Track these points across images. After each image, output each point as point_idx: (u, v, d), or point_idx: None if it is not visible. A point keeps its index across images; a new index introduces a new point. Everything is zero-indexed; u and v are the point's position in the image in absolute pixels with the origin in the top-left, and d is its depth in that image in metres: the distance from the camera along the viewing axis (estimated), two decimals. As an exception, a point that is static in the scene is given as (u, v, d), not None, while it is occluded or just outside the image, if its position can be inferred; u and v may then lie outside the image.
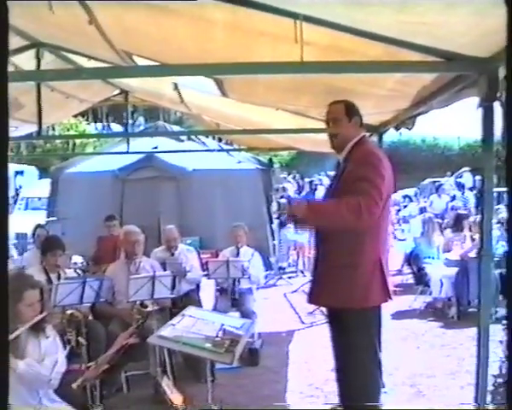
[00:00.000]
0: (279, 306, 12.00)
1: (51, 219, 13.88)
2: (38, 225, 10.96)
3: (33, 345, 4.68)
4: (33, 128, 10.04)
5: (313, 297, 4.96)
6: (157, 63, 5.87)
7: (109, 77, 7.19)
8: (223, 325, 4.96)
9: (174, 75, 5.49)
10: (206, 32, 4.57)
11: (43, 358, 4.62)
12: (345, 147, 4.82)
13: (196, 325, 4.97)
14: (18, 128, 10.40)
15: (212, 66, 4.40)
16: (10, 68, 5.34)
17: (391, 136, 8.56)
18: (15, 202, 23.98)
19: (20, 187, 26.28)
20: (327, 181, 25.83)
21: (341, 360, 4.82)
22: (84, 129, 32.40)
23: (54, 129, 27.48)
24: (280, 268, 15.16)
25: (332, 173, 6.63)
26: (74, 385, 4.67)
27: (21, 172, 29.88)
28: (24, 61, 7.60)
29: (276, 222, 14.53)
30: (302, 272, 15.24)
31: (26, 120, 9.76)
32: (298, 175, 31.74)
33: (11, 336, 4.43)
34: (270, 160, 16.72)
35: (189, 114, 13.92)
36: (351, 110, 4.83)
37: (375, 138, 6.95)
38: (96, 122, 36.29)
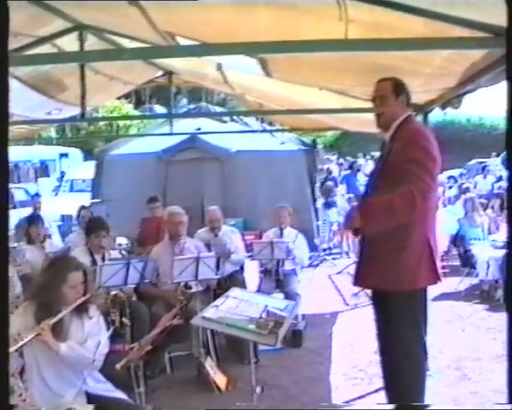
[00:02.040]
0: (323, 287, 11.94)
1: (96, 200, 14.01)
2: (83, 207, 11.05)
3: (77, 326, 4.71)
4: (77, 110, 10.08)
5: (359, 279, 4.91)
6: (200, 43, 5.82)
7: (151, 57, 7.15)
8: (266, 306, 4.93)
9: (217, 55, 5.43)
10: (249, 11, 4.51)
11: (87, 339, 4.64)
12: (390, 126, 4.73)
13: (240, 307, 4.95)
14: (62, 110, 10.46)
15: (255, 45, 4.34)
16: (54, 50, 5.36)
17: (436, 115, 8.40)
18: (60, 185, 24.26)
19: (63, 173, 26.59)
20: (370, 163, 25.67)
21: (386, 343, 4.76)
22: (128, 111, 32.57)
23: (97, 111, 27.68)
24: (324, 249, 15.08)
25: (377, 154, 6.54)
26: (118, 366, 4.68)
27: (66, 155, 30.26)
28: (67, 43, 7.62)
29: (319, 203, 14.45)
30: (347, 253, 15.12)
31: (69, 103, 9.82)
32: (341, 156, 31.57)
33: (55, 318, 4.46)
34: (314, 140, 16.64)
35: (232, 95, 13.86)
36: (398, 88, 4.74)
37: (419, 118, 6.82)
38: (139, 104, 36.48)
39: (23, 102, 9.55)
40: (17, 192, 20.22)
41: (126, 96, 31.03)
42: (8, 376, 1.49)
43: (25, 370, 4.60)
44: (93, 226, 7.68)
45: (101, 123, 32.13)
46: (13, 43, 7.16)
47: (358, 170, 21.66)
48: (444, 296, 10.34)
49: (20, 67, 7.98)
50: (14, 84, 8.63)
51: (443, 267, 10.63)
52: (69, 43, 7.64)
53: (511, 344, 1.71)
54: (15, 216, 13.03)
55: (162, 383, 6.91)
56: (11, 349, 4.10)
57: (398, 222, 4.39)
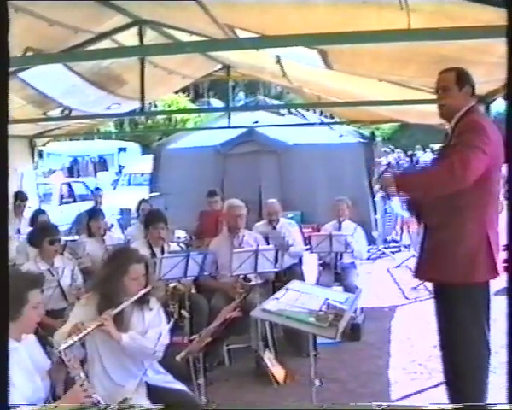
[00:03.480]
0: (382, 281, 11.83)
1: (154, 194, 14.14)
2: (143, 200, 11.15)
3: (137, 318, 4.75)
4: (135, 105, 10.20)
5: (419, 272, 4.86)
6: (259, 35, 5.81)
7: (212, 50, 7.16)
8: (327, 299, 4.89)
9: (277, 46, 5.40)
10: (308, 2, 4.48)
11: (147, 330, 4.68)
12: (453, 117, 4.65)
13: (300, 299, 4.92)
14: (121, 105, 10.59)
15: (315, 36, 4.29)
16: (113, 46, 5.41)
17: (498, 106, 8.23)
18: (118, 179, 24.59)
19: (122, 167, 26.92)
20: (429, 155, 25.35)
21: (447, 337, 4.69)
22: (185, 105, 32.79)
23: (156, 106, 27.93)
24: (383, 242, 14.95)
25: (436, 147, 6.45)
26: (178, 357, 4.71)
27: (124, 149, 30.64)
28: (127, 38, 7.71)
29: (378, 196, 14.33)
30: (406, 246, 14.95)
31: (128, 97, 9.94)
32: (399, 148, 31.24)
33: (116, 309, 4.51)
34: (373, 133, 16.49)
35: (290, 88, 13.84)
36: (462, 78, 4.65)
37: (482, 108, 6.70)
38: (197, 98, 36.69)
39: (83, 97, 9.70)
40: (76, 186, 20.54)
41: (184, 90, 31.23)
42: (7, 376, 1.47)
43: (86, 360, 4.67)
44: (151, 218, 7.72)
45: (159, 117, 32.40)
46: (73, 40, 7.27)
47: (417, 162, 21.42)
48: (505, 290, 10.12)
49: (81, 63, 8.11)
50: (74, 80, 8.77)
51: (504, 261, 10.44)
52: (128, 38, 7.73)
53: (510, 344, 1.69)
54: (75, 210, 13.26)
55: (220, 376, 6.93)
56: (75, 338, 4.17)
57: (439, 192, 4.36)
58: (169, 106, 31.50)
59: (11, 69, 7.51)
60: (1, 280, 1.45)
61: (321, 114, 17.19)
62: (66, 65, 8.13)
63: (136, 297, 4.63)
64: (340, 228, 9.09)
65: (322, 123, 15.00)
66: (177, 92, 28.09)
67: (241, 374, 7.08)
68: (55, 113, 10.13)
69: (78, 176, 26.65)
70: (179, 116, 32.42)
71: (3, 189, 1.42)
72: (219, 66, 11.34)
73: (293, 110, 15.12)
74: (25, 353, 4.03)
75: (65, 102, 9.81)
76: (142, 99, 8.66)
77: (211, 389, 6.03)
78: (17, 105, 9.30)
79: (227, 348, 7.35)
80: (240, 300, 5.55)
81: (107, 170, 29.55)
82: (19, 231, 9.87)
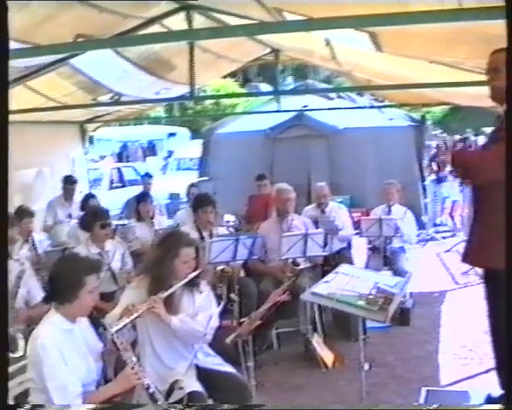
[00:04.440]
0: (431, 265, 11.72)
1: (203, 178, 14.21)
2: (192, 184, 11.22)
3: (188, 300, 4.79)
4: (185, 89, 10.23)
5: (467, 257, 4.80)
6: (308, 18, 5.77)
7: (262, 33, 7.10)
8: (377, 283, 4.88)
9: (326, 29, 5.32)
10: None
11: (197, 313, 4.71)
12: (504, 99, 4.56)
13: (350, 283, 4.92)
14: (170, 89, 10.64)
15: (365, 18, 4.22)
16: (162, 30, 5.42)
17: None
18: (167, 164, 24.76)
19: (171, 152, 27.09)
20: (482, 138, 24.95)
21: (496, 322, 4.62)
22: (234, 90, 32.79)
23: (204, 90, 27.98)
24: (433, 226, 14.80)
25: (487, 130, 6.35)
26: (228, 340, 4.75)
27: (174, 134, 30.83)
28: (175, 23, 7.74)
29: (428, 180, 14.18)
30: (456, 231, 14.78)
31: (177, 82, 9.98)
32: (450, 132, 30.79)
33: (167, 292, 4.55)
34: (423, 116, 16.31)
35: (339, 72, 13.74)
36: None
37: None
38: (245, 82, 36.65)
39: (133, 82, 9.78)
40: (126, 171, 20.75)
41: (233, 75, 31.22)
42: (7, 376, 1.49)
43: (137, 342, 4.73)
44: (200, 202, 7.74)
45: (208, 102, 32.43)
46: (122, 26, 7.33)
47: (470, 146, 21.11)
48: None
49: (131, 48, 8.17)
50: (124, 66, 8.85)
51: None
52: (176, 23, 7.76)
53: (510, 344, 1.66)
54: (125, 195, 13.39)
55: (269, 359, 6.97)
56: (126, 321, 4.23)
57: (493, 176, 4.28)
58: (218, 91, 31.52)
59: (62, 55, 7.62)
60: (1, 280, 1.46)
61: (371, 97, 17.03)
62: (116, 51, 8.20)
63: (186, 280, 4.67)
64: (389, 212, 9.02)
65: (372, 106, 14.87)
66: (225, 77, 28.09)
67: (290, 358, 7.11)
68: (105, 98, 10.24)
69: (128, 161, 26.89)
70: (228, 101, 32.43)
71: (3, 189, 1.43)
72: (268, 50, 11.30)
73: (342, 94, 15.03)
74: (79, 335, 4.11)
75: (115, 87, 9.91)
76: (192, 84, 8.67)
77: (260, 373, 6.08)
78: (68, 91, 9.43)
79: (276, 331, 7.39)
80: (288, 284, 5.56)
81: (156, 155, 29.78)
82: (70, 216, 10.02)
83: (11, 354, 4.88)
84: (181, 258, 4.71)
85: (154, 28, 7.68)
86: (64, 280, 4.02)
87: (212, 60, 9.87)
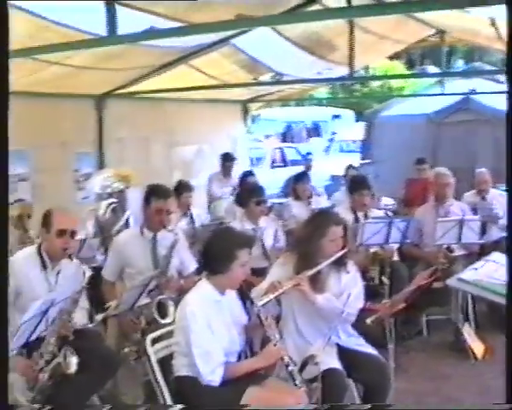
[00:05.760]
0: None
1: (365, 161, 14.13)
2: (350, 166, 11.20)
3: (334, 280, 4.81)
4: (347, 71, 10.18)
5: None
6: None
7: (418, 10, 6.89)
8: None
9: (490, 4, 5.08)
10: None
11: (343, 292, 4.71)
12: None
13: (499, 271, 4.73)
14: (332, 70, 10.63)
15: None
16: (319, 8, 5.37)
17: None
18: (330, 145, 24.79)
19: (334, 133, 27.09)
20: None
21: None
22: (400, 72, 32.20)
23: (368, 72, 27.65)
24: None
25: None
26: (368, 320, 4.73)
27: (338, 116, 30.76)
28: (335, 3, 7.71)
29: None
30: None
31: (339, 63, 9.94)
32: None
33: (313, 270, 4.58)
34: None
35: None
36: None
37: None
38: (411, 65, 35.94)
39: (293, 62, 9.85)
40: (288, 151, 20.97)
41: (399, 57, 30.68)
42: (7, 375, 1.51)
43: (281, 317, 4.80)
44: (356, 185, 7.70)
45: (375, 84, 32.12)
46: (284, 6, 7.38)
47: None
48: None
49: (290, 28, 8.21)
50: (284, 46, 8.93)
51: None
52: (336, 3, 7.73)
53: (510, 344, 1.52)
54: (286, 174, 13.54)
55: (417, 345, 6.91)
56: (271, 296, 4.31)
57: None
58: (386, 72, 31.04)
59: (224, 34, 7.80)
60: (1, 277, 1.49)
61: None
62: (277, 31, 8.29)
63: (332, 259, 4.68)
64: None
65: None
66: (391, 59, 27.63)
67: (439, 346, 6.97)
68: (266, 78, 10.38)
69: (292, 142, 27.12)
70: (395, 84, 31.92)
71: (3, 188, 1.46)
72: (433, 31, 10.99)
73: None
74: (226, 306, 4.26)
75: (276, 67, 10.02)
76: (351, 64, 8.62)
77: (406, 359, 6.01)
78: (229, 70, 9.66)
79: (426, 318, 7.27)
80: (434, 268, 5.44)
81: (320, 136, 29.85)
82: (227, 192, 10.28)
83: (161, 320, 5.11)
84: (329, 236, 4.72)
85: (314, 8, 7.69)
86: (218, 252, 4.19)
87: (375, 41, 9.74)
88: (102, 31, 4.82)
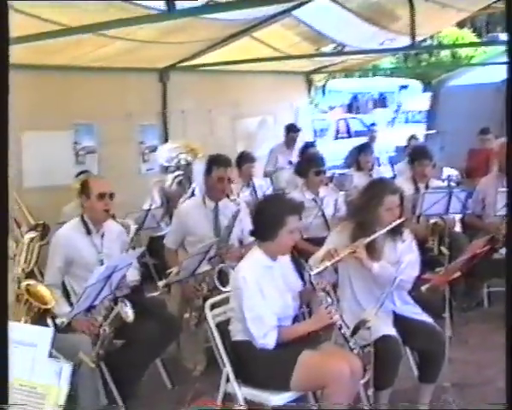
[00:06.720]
0: None
1: (430, 132, 13.97)
2: (412, 136, 11.14)
3: (390, 248, 4.84)
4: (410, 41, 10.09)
5: None
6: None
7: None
8: None
9: None
10: None
11: (399, 261, 4.74)
12: None
13: None
14: (395, 40, 10.54)
15: None
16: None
17: None
18: (396, 116, 24.53)
19: (400, 104, 26.76)
20: None
21: None
22: (469, 40, 31.50)
23: (434, 41, 27.13)
24: None
25: None
26: (423, 288, 4.75)
27: (405, 87, 30.39)
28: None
29: None
30: None
31: (402, 32, 9.85)
32: None
33: (369, 238, 4.63)
34: None
35: None
36: None
37: None
38: (479, 33, 35.11)
39: (355, 33, 9.81)
40: (353, 122, 20.88)
41: (467, 25, 30.03)
42: (7, 373, 1.60)
43: (338, 285, 4.87)
44: (417, 155, 7.66)
45: (444, 54, 31.53)
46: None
47: None
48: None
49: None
50: (346, 16, 8.91)
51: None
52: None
53: (510, 344, 1.53)
54: (350, 146, 13.52)
55: (477, 317, 6.86)
56: (327, 264, 4.38)
57: None
58: (455, 41, 30.39)
59: (285, 6, 7.84)
60: (1, 274, 1.57)
61: None
62: (337, 2, 8.28)
63: (389, 227, 4.70)
64: None
65: None
66: (461, 27, 27.05)
67: (499, 318, 6.85)
68: (329, 49, 10.36)
69: (358, 113, 26.95)
70: (464, 53, 31.29)
71: (4, 187, 1.54)
72: (500, -4, 10.75)
73: None
74: (279, 272, 4.36)
75: (338, 38, 10.00)
76: (413, 34, 8.56)
77: (466, 329, 6.01)
78: (292, 42, 9.69)
79: (488, 290, 7.22)
80: (490, 236, 5.40)
81: (386, 107, 29.56)
82: (290, 162, 10.35)
83: (222, 288, 5.26)
84: (385, 205, 4.74)
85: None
86: (267, 219, 4.29)
87: (437, 9, 9.60)
88: (162, 5, 4.93)
